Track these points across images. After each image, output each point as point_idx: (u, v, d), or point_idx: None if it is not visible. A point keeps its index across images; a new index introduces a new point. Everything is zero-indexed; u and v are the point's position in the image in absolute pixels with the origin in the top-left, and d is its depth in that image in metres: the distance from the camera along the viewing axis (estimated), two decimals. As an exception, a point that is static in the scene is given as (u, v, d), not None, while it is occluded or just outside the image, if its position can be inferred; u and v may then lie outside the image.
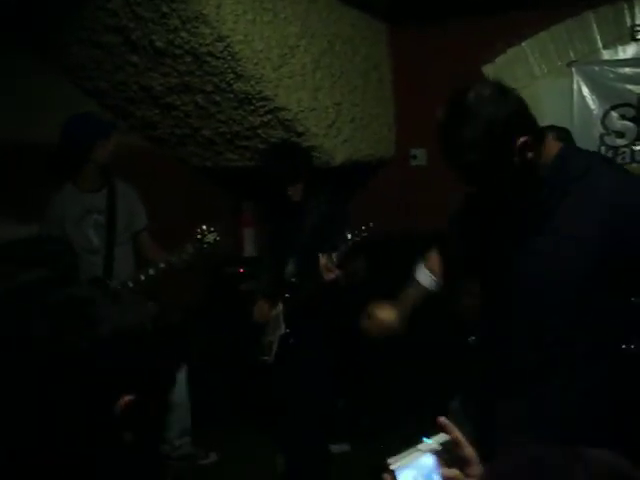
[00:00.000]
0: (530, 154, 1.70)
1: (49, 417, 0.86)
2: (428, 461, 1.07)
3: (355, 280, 3.12)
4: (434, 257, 2.24)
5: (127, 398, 0.89)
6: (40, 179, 3.46)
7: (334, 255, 2.98)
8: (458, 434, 1.10)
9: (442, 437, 1.10)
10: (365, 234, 3.01)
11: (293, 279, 3.33)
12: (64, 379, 0.86)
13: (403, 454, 1.06)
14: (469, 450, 1.09)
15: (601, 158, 2.05)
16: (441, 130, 1.73)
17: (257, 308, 3.49)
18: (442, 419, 1.11)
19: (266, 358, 3.41)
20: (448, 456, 1.08)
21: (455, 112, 1.70)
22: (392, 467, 1.03)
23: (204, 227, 3.33)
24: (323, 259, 2.94)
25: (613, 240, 1.70)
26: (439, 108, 1.73)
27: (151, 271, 3.32)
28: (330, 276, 2.96)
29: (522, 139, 1.67)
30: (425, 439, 1.09)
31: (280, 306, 3.37)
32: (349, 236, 3.00)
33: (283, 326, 3.33)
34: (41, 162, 3.43)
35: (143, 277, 3.31)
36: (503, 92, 1.71)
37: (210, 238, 3.33)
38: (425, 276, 2.22)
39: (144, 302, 0.98)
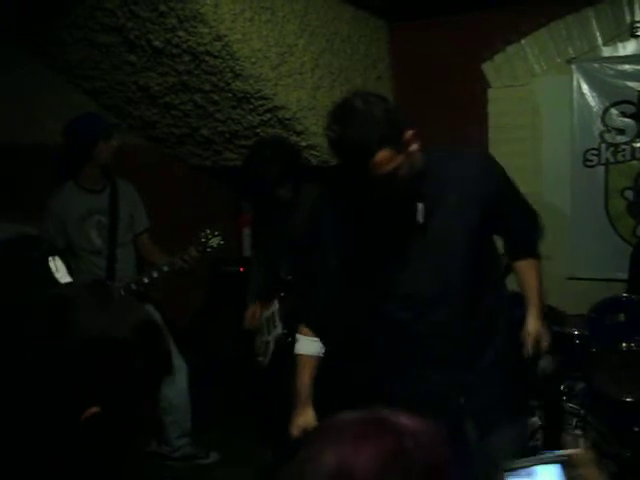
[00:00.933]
0: (415, 146, 1.80)
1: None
2: (548, 471, 1.06)
3: None
4: (304, 326, 2.20)
5: (93, 409, 0.82)
6: (38, 179, 3.45)
7: None
8: (582, 451, 1.09)
9: (567, 452, 1.09)
10: None
11: (289, 277, 3.30)
12: (20, 386, 0.80)
13: (521, 461, 1.06)
14: (590, 471, 1.07)
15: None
16: (340, 133, 1.75)
17: (247, 314, 3.47)
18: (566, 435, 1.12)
19: (261, 359, 3.38)
20: (570, 471, 1.07)
21: (351, 115, 1.76)
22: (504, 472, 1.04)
23: (208, 231, 3.32)
24: None
25: (483, 208, 1.92)
26: (328, 126, 1.79)
27: (155, 274, 3.32)
28: None
29: (410, 131, 1.79)
30: (547, 452, 1.09)
31: (276, 305, 3.34)
32: None
33: (280, 326, 3.31)
34: (38, 163, 3.41)
35: (146, 280, 3.31)
36: (380, 96, 1.84)
37: (214, 242, 3.32)
38: (309, 345, 2.19)
39: (139, 307, 0.90)
